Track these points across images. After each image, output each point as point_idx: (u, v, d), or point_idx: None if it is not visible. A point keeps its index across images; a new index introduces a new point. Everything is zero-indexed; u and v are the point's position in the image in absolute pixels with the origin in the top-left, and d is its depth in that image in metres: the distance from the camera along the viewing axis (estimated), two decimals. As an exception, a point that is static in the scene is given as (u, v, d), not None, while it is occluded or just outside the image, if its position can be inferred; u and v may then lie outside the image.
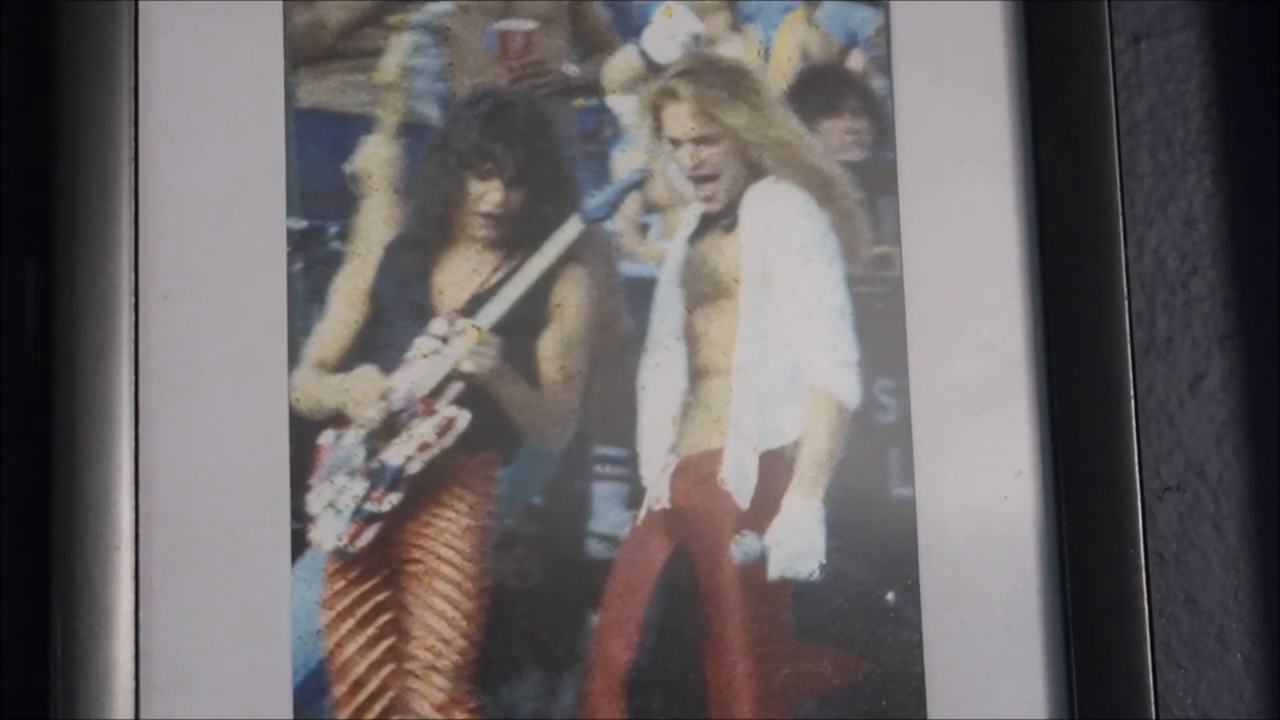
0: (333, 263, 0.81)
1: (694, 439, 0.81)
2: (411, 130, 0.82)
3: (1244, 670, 0.83)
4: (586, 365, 0.81)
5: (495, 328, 0.81)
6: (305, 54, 0.82)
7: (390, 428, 0.80)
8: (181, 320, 0.79)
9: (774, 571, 0.80)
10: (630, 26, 0.83)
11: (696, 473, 0.81)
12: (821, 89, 0.83)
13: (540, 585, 0.79)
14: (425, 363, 0.80)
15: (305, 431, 0.79)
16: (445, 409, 0.80)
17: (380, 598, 0.79)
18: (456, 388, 0.80)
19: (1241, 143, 0.86)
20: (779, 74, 0.83)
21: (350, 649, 0.79)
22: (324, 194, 0.81)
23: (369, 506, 0.79)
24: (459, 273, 0.81)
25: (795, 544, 0.80)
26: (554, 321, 0.81)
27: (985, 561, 0.80)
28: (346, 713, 0.78)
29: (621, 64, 0.83)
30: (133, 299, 0.78)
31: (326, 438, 0.80)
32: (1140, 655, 0.77)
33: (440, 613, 0.79)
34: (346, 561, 0.79)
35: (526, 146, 0.82)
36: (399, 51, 0.82)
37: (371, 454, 0.80)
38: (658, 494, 0.80)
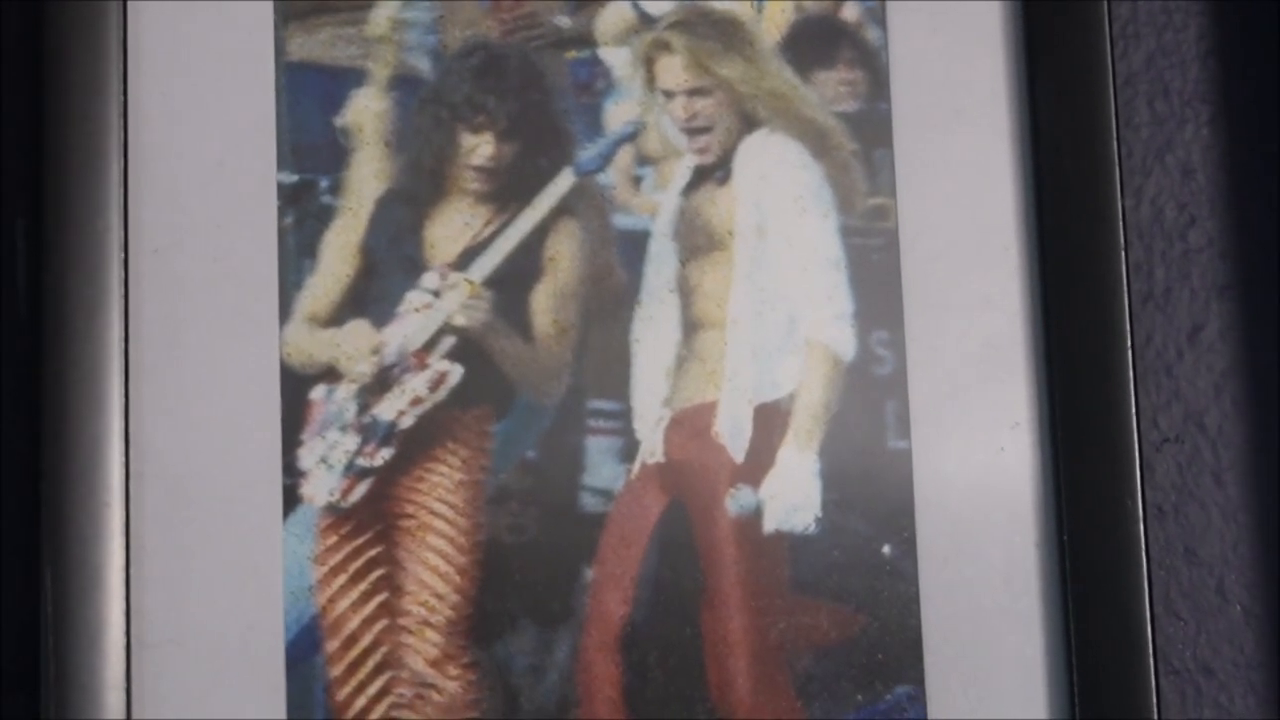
0: (324, 217, 0.80)
1: (688, 392, 0.80)
2: (403, 83, 0.81)
3: (1244, 622, 0.83)
4: (580, 318, 0.80)
5: (488, 281, 0.80)
6: (295, 7, 0.81)
7: (382, 382, 0.79)
8: (172, 275, 0.79)
9: (769, 525, 0.79)
10: (623, -22, 0.83)
11: (691, 426, 0.80)
12: (816, 40, 0.83)
13: (534, 540, 0.79)
14: (417, 317, 0.80)
15: (297, 386, 0.79)
16: (437, 363, 0.80)
17: (373, 553, 0.79)
18: (449, 342, 0.80)
19: (1240, 92, 0.85)
20: (773, 25, 0.83)
21: (343, 604, 0.78)
22: (315, 148, 0.80)
23: (361, 461, 0.79)
24: (451, 226, 0.81)
25: (791, 497, 0.79)
26: (547, 275, 0.81)
27: (982, 514, 0.80)
28: (339, 668, 0.78)
29: (614, 16, 0.82)
30: (122, 254, 0.78)
31: (318, 392, 0.79)
32: (1139, 608, 0.77)
33: (434, 568, 0.78)
34: (339, 517, 0.78)
35: (519, 99, 0.81)
36: (390, 4, 0.82)
37: (363, 409, 0.79)
38: (652, 447, 0.80)
